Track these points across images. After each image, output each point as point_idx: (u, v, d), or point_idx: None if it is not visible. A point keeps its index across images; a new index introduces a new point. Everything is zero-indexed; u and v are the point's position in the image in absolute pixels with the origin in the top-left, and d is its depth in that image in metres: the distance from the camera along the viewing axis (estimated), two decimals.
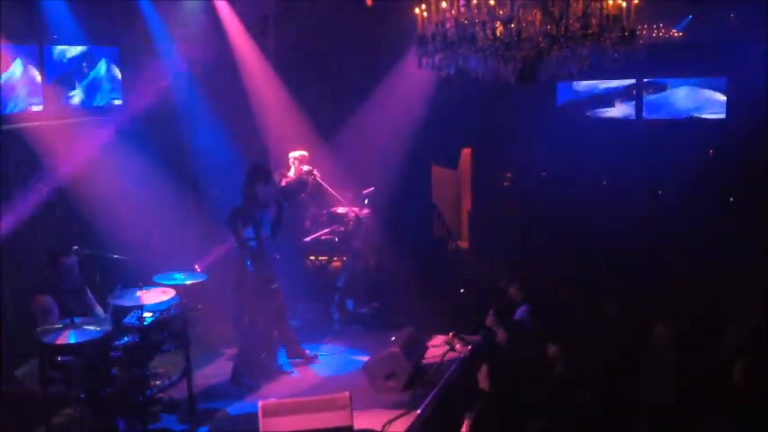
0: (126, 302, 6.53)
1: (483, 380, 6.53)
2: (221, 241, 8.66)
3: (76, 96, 8.24)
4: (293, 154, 8.97)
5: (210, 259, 8.59)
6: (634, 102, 12.20)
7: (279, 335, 7.89)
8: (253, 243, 7.33)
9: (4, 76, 7.22)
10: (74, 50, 8.17)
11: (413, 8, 5.53)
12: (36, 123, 7.74)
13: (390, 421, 6.67)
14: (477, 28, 5.28)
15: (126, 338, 6.42)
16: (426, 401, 7.05)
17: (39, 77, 7.73)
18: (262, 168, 7.55)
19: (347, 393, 6.37)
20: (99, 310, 6.88)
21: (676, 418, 5.91)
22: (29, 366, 6.73)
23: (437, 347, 7.72)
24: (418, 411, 6.87)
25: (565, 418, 5.90)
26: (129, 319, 6.78)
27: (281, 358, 7.97)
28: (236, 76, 10.08)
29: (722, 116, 11.64)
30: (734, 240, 9.56)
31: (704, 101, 11.71)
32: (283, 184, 8.28)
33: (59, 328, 5.93)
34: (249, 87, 10.14)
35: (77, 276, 6.80)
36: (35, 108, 7.72)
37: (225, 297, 8.69)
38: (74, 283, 6.75)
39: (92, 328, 6.02)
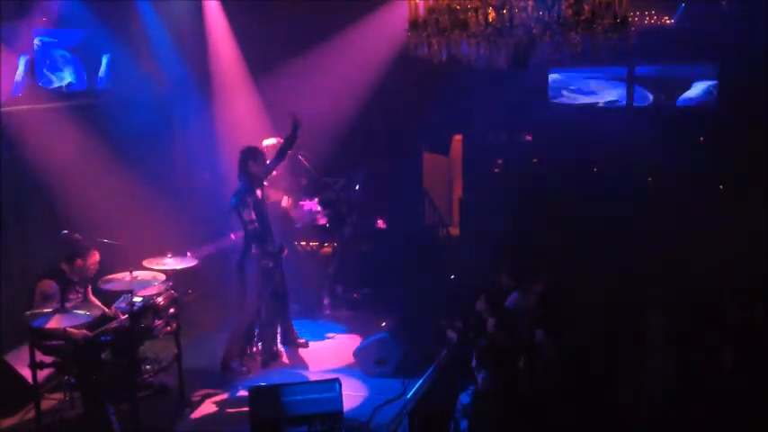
0: (116, 287, 6.51)
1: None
2: (216, 227, 8.68)
3: (67, 80, 8.20)
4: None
5: (206, 250, 8.61)
6: (625, 89, 12.19)
7: (280, 320, 7.91)
8: (255, 226, 7.35)
9: None
10: (65, 34, 8.13)
11: None
12: (26, 107, 7.70)
13: (380, 406, 6.70)
14: (470, 14, 5.27)
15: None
16: (416, 386, 7.08)
17: (28, 61, 7.69)
18: (248, 148, 7.59)
19: (337, 378, 6.40)
20: (95, 300, 6.86)
21: (667, 403, 5.96)
22: (19, 350, 6.74)
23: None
24: (408, 396, 6.89)
25: (553, 402, 5.93)
26: (120, 304, 6.79)
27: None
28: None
29: (713, 103, 11.66)
30: (727, 228, 9.61)
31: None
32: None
33: (49, 313, 5.91)
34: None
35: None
36: (25, 92, 7.69)
37: (217, 282, 8.73)
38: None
39: (81, 312, 6.00)
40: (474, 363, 6.31)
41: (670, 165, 10.71)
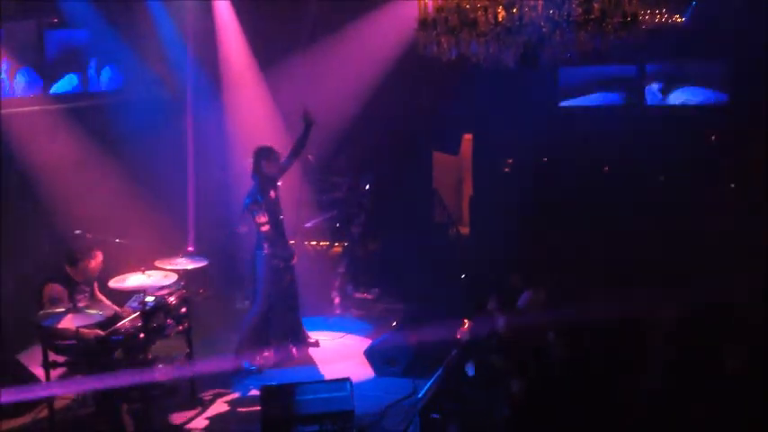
0: (128, 286, 6.54)
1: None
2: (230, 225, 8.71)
3: (75, 80, 8.23)
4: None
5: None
6: (636, 87, 12.15)
7: (291, 319, 7.92)
8: (267, 227, 7.36)
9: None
10: (73, 34, 8.16)
11: None
12: (33, 108, 7.73)
13: (391, 405, 6.71)
14: (479, 12, 5.27)
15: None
16: (427, 386, 7.07)
17: (36, 60, 7.73)
18: (261, 148, 7.61)
19: (348, 378, 6.41)
20: (106, 301, 6.89)
21: (672, 403, 5.92)
22: (31, 350, 6.77)
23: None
24: (419, 396, 6.89)
25: (562, 401, 5.91)
26: (132, 303, 6.82)
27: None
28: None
29: (725, 101, 11.62)
30: (736, 227, 9.57)
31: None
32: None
33: (61, 313, 5.94)
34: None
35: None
36: (32, 92, 7.73)
37: (229, 281, 8.74)
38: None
39: (93, 312, 6.03)
40: (471, 372, 6.31)
41: (682, 163, 10.68)
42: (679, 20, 10.70)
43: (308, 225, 9.31)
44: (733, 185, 11.10)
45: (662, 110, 11.87)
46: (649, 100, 11.97)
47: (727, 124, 11.20)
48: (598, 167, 11.84)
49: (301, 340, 8.06)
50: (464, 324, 7.46)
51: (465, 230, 12.34)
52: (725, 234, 9.40)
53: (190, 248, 7.66)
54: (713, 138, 11.52)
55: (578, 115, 12.03)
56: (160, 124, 9.01)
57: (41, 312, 6.08)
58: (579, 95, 12.39)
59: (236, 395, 7.09)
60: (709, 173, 10.71)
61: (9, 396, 6.13)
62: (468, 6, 5.31)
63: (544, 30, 5.26)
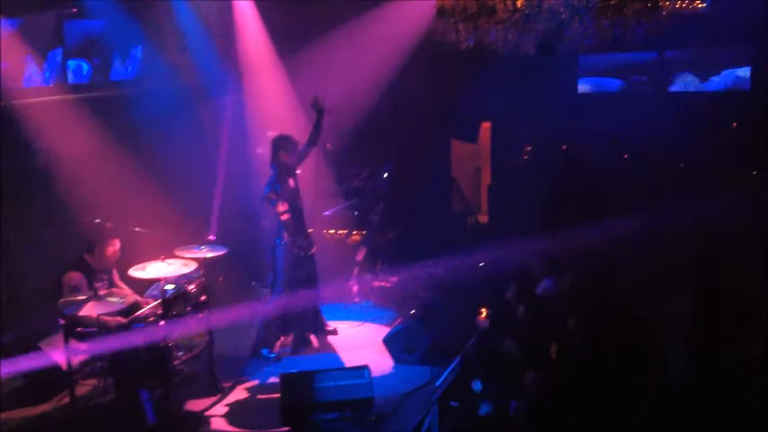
0: (149, 275, 6.58)
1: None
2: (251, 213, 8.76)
3: (95, 70, 8.27)
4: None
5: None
6: (656, 74, 12.06)
7: (310, 307, 7.94)
8: (287, 216, 7.38)
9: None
10: (93, 24, 8.19)
11: None
12: (53, 97, 7.78)
13: (409, 393, 6.72)
14: None
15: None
16: (445, 374, 7.08)
17: (56, 52, 7.77)
18: (279, 137, 7.62)
19: (367, 365, 6.42)
20: (126, 289, 6.94)
21: (689, 390, 5.90)
22: (53, 337, 6.84)
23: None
24: (438, 383, 6.91)
25: (582, 388, 5.90)
26: (152, 291, 6.86)
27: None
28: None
29: (746, 87, 11.51)
30: (758, 215, 9.47)
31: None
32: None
33: (82, 300, 5.99)
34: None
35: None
36: (51, 82, 7.77)
37: (248, 270, 8.78)
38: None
39: (115, 300, 6.08)
40: (478, 388, 6.32)
41: (702, 151, 10.59)
42: (700, 5, 10.59)
43: (327, 213, 9.33)
44: (755, 172, 11.00)
45: (682, 96, 11.78)
46: (669, 86, 11.90)
47: (748, 110, 11.09)
48: (617, 154, 11.77)
49: (320, 328, 8.09)
50: (482, 312, 7.47)
51: (483, 219, 12.32)
52: (747, 222, 9.32)
53: (211, 237, 7.68)
54: (734, 124, 11.41)
55: (597, 102, 11.97)
56: (180, 114, 9.02)
57: (63, 300, 6.13)
58: (598, 82, 12.33)
59: (255, 382, 7.13)
60: (731, 159, 10.61)
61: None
62: None
63: (563, 16, 5.23)
